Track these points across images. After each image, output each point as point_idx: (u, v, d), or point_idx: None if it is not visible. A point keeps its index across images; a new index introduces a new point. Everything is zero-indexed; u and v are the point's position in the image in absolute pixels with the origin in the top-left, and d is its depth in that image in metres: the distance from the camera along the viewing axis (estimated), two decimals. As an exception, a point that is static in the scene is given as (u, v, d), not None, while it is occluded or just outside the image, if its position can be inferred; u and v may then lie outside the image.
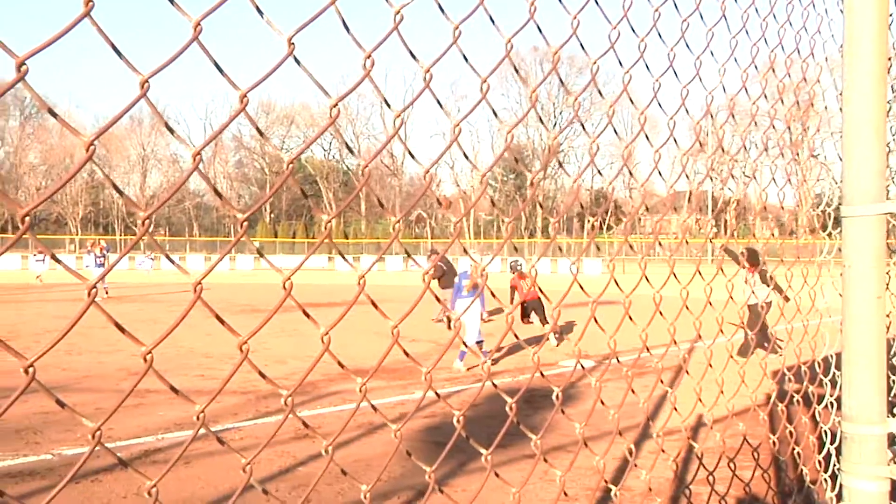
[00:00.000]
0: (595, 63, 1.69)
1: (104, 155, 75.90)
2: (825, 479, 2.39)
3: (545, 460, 1.66)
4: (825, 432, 2.52)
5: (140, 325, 15.22)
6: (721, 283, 2.24)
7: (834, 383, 2.31)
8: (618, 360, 1.91)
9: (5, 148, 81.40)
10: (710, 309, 2.06)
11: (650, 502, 4.37)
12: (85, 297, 0.87)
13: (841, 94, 1.90)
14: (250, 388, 8.48)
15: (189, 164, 0.97)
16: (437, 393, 1.42)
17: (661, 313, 1.88)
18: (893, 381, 2.57)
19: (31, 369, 0.84)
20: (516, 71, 1.50)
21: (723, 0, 2.09)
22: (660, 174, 2.01)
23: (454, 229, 1.43)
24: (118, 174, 79.30)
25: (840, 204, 1.88)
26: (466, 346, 10.26)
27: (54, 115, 0.86)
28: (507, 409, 1.54)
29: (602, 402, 1.80)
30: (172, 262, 1.03)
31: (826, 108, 2.76)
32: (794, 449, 2.57)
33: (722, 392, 2.23)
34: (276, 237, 76.90)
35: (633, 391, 1.95)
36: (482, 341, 10.75)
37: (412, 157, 1.33)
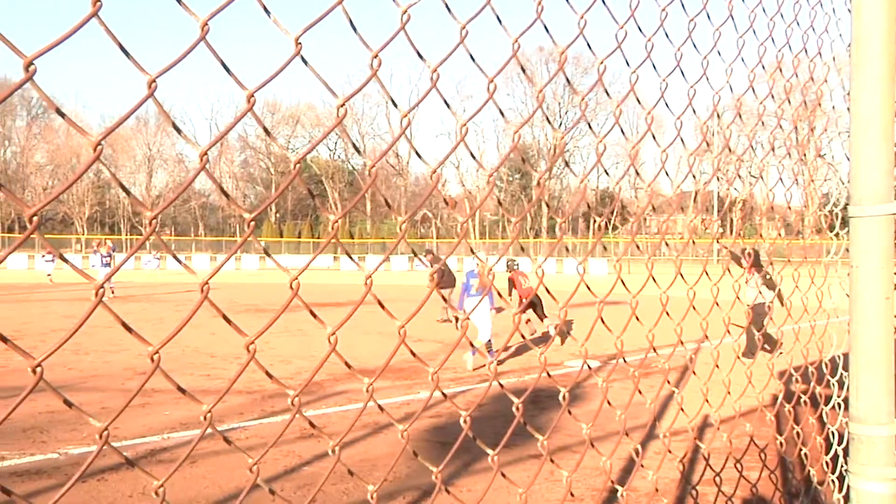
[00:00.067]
0: (602, 63, 1.69)
1: (110, 155, 76.21)
2: (832, 481, 2.38)
3: (552, 461, 1.66)
4: (832, 433, 2.51)
5: (146, 325, 15.27)
6: (728, 284, 2.24)
7: (841, 384, 2.30)
8: (624, 361, 1.90)
9: (12, 148, 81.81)
10: (716, 309, 2.06)
11: (656, 503, 4.36)
12: (92, 297, 0.88)
13: (848, 94, 1.89)
14: (255, 388, 8.49)
15: (195, 163, 0.97)
16: (443, 393, 1.42)
17: (667, 314, 1.87)
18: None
19: (38, 369, 0.85)
20: (523, 71, 1.50)
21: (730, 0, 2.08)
22: (667, 174, 2.00)
23: (460, 229, 1.43)
24: (124, 174, 79.52)
25: (847, 204, 1.87)
26: (473, 346, 10.25)
27: (62, 115, 0.86)
28: (514, 409, 1.54)
29: (609, 403, 1.79)
30: (180, 261, 1.03)
31: (833, 107, 2.75)
32: (801, 450, 2.56)
33: (729, 392, 2.22)
34: (281, 237, 76.97)
35: (639, 392, 1.95)
36: (490, 341, 10.76)
37: (420, 157, 1.33)
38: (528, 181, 78.24)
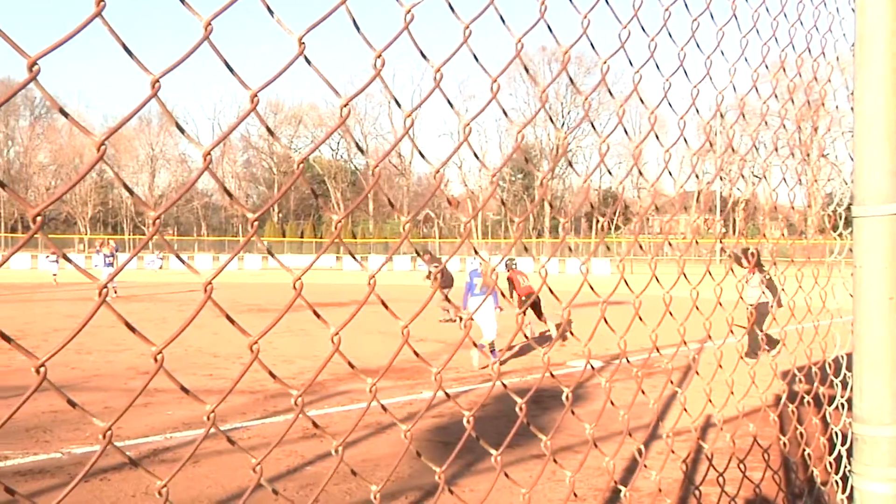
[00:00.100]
0: (605, 63, 1.68)
1: (113, 155, 76.23)
2: (836, 481, 2.38)
3: (555, 461, 1.66)
4: (836, 434, 2.50)
5: (149, 325, 15.28)
6: (731, 284, 2.23)
7: (845, 384, 2.29)
8: (627, 361, 1.90)
9: (15, 148, 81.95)
10: (720, 309, 2.05)
11: (659, 503, 4.35)
12: (95, 296, 0.88)
13: (852, 94, 1.89)
14: (258, 388, 8.49)
15: (198, 163, 0.97)
16: (447, 393, 1.42)
17: (670, 314, 1.87)
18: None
19: (42, 369, 0.85)
20: (526, 70, 1.50)
21: (733, -1, 2.08)
22: (670, 174, 2.00)
23: (463, 230, 1.42)
24: (127, 174, 79.63)
25: (851, 204, 1.87)
26: (476, 345, 10.26)
27: (66, 115, 0.87)
28: (517, 409, 1.54)
29: (612, 403, 1.79)
30: (183, 262, 1.03)
31: (837, 107, 2.75)
32: (804, 450, 2.55)
33: (732, 393, 2.22)
34: (284, 237, 77.02)
35: (642, 391, 1.95)
36: (493, 342, 10.76)
37: (423, 157, 1.33)
38: (530, 181, 78.21)
